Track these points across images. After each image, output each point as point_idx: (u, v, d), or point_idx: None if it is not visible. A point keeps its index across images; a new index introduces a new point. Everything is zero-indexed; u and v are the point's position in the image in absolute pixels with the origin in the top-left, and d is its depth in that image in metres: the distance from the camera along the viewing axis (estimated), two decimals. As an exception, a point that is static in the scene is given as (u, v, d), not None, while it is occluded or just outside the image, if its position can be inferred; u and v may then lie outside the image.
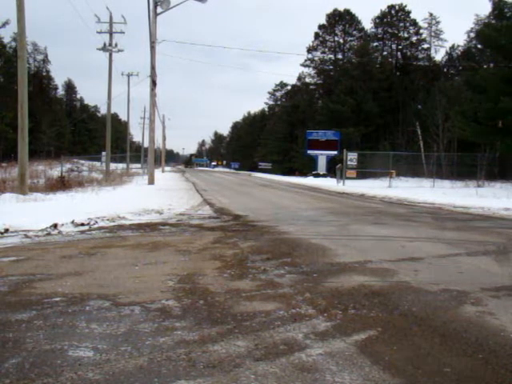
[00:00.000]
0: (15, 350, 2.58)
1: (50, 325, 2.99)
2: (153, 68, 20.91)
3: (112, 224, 8.10)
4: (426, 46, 56.05)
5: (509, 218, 10.50)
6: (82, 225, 7.73)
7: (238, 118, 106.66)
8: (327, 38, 57.97)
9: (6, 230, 6.90)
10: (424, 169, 32.37)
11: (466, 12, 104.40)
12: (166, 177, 34.89)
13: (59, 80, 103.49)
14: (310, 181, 33.21)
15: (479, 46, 43.19)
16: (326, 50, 58.36)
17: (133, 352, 2.57)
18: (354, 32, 57.53)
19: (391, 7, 55.06)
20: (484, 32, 30.82)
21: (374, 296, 3.74)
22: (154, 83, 21.12)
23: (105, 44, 29.92)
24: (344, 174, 28.38)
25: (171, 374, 2.31)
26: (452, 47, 53.17)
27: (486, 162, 28.89)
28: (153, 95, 21.31)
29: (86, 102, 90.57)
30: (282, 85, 71.95)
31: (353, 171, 29.72)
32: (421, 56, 55.23)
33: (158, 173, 32.64)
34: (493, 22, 35.38)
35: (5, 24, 44.76)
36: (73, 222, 7.71)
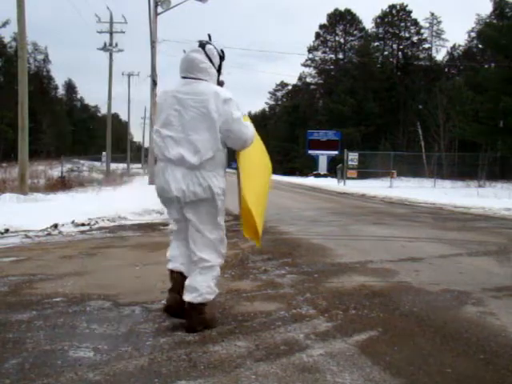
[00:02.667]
0: (15, 351, 2.57)
1: (51, 325, 2.99)
2: (153, 68, 20.91)
3: (112, 224, 8.11)
4: (427, 45, 56.10)
5: (510, 218, 10.49)
6: (83, 225, 7.73)
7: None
8: (328, 37, 57.99)
9: (7, 230, 6.90)
10: (425, 169, 32.35)
11: (467, 12, 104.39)
12: (166, 177, 34.85)
13: (59, 80, 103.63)
14: (310, 181, 33.20)
15: (480, 46, 43.24)
16: (327, 49, 58.39)
17: (133, 352, 2.56)
18: (355, 32, 57.53)
19: (392, 7, 55.08)
20: (485, 32, 30.85)
21: (374, 296, 3.73)
22: (154, 83, 21.11)
23: (105, 44, 29.98)
24: (345, 174, 28.35)
25: (172, 374, 2.31)
26: (453, 47, 53.24)
27: (487, 162, 28.87)
28: (153, 95, 21.28)
29: (86, 102, 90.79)
30: (283, 85, 71.94)
31: (353, 171, 29.69)
32: (422, 56, 55.24)
33: (158, 173, 32.62)
34: (494, 21, 35.37)
35: (5, 24, 44.82)
36: (73, 222, 7.71)
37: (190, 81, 2.87)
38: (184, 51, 2.96)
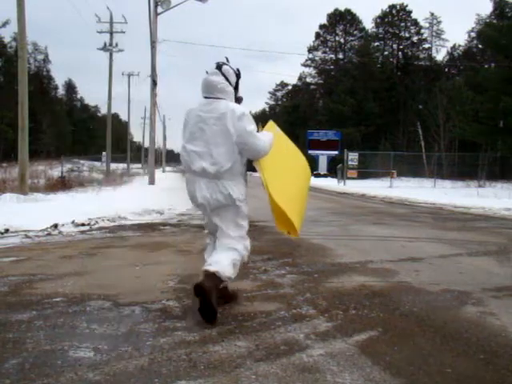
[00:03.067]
0: (15, 351, 2.57)
1: (51, 325, 2.99)
2: (153, 68, 20.91)
3: (112, 224, 8.10)
4: (427, 45, 56.10)
5: (510, 218, 10.49)
6: (83, 225, 7.73)
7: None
8: (328, 37, 57.94)
9: (7, 230, 6.90)
10: (425, 169, 32.34)
11: (467, 12, 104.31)
12: (166, 177, 34.91)
13: (59, 80, 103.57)
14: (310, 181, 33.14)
15: (480, 46, 43.24)
16: (327, 49, 58.34)
17: (133, 352, 2.56)
18: (355, 32, 57.48)
19: (392, 7, 55.03)
20: (485, 32, 30.86)
21: (374, 296, 3.73)
22: (154, 83, 21.12)
23: (105, 44, 29.97)
24: (345, 174, 28.34)
25: (172, 374, 2.31)
26: (453, 47, 53.24)
27: (487, 162, 28.86)
28: (153, 95, 21.31)
29: (86, 102, 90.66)
30: (283, 85, 71.94)
31: (354, 171, 29.69)
32: (422, 56, 55.21)
33: (158, 173, 32.65)
34: (494, 21, 35.37)
35: (5, 24, 44.83)
36: (73, 222, 7.71)
37: (210, 100, 3.22)
38: (207, 72, 3.30)
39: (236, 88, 3.33)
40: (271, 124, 3.63)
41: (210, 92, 3.24)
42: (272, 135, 3.39)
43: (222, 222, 3.21)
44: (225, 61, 3.34)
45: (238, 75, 3.33)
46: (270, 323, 3.06)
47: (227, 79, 3.25)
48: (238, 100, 3.34)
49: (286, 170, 3.43)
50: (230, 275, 3.12)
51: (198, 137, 3.18)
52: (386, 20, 55.68)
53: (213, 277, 3.03)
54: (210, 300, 2.95)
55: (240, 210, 3.22)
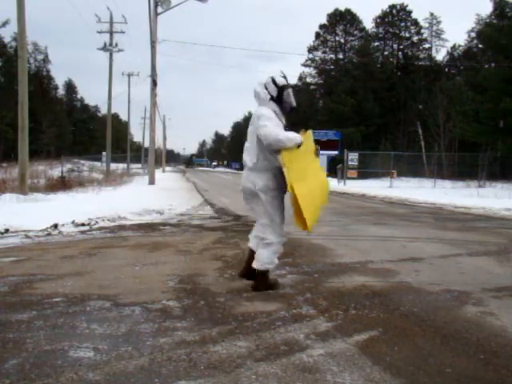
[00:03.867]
0: (15, 351, 2.57)
1: (51, 325, 2.98)
2: (153, 68, 20.91)
3: (112, 224, 8.10)
4: (427, 45, 56.04)
5: (510, 219, 10.49)
6: (83, 225, 7.73)
7: (239, 117, 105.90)
8: (328, 37, 57.83)
9: (7, 230, 6.90)
10: (425, 169, 32.31)
11: (467, 12, 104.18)
12: (166, 177, 34.92)
13: (59, 80, 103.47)
14: (310, 181, 33.07)
15: (480, 46, 43.20)
16: (327, 49, 58.22)
17: (133, 352, 2.56)
18: (355, 32, 57.37)
19: (392, 7, 54.97)
20: (485, 32, 30.87)
21: (375, 296, 3.73)
22: (154, 83, 21.11)
23: (105, 44, 29.94)
24: (345, 174, 28.31)
25: (172, 374, 2.31)
26: (453, 47, 53.19)
27: (487, 162, 28.82)
28: (153, 95, 21.30)
29: (86, 102, 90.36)
30: (283, 85, 71.77)
31: (354, 171, 29.65)
32: (422, 56, 55.17)
33: (158, 173, 32.63)
34: (494, 21, 35.38)
35: (5, 24, 44.80)
36: (73, 222, 7.71)
37: (256, 106, 3.89)
38: None
39: (279, 98, 3.82)
40: (308, 134, 3.97)
41: (255, 99, 3.92)
42: (296, 135, 3.77)
43: (256, 210, 3.85)
44: (279, 73, 3.95)
45: (277, 85, 3.83)
46: (270, 323, 3.06)
47: (266, 88, 3.84)
48: (292, 110, 3.92)
49: (311, 177, 3.85)
50: (272, 265, 3.87)
51: (248, 136, 3.90)
52: (386, 20, 55.63)
53: (262, 272, 3.83)
54: (270, 285, 3.90)
55: (263, 200, 3.76)
